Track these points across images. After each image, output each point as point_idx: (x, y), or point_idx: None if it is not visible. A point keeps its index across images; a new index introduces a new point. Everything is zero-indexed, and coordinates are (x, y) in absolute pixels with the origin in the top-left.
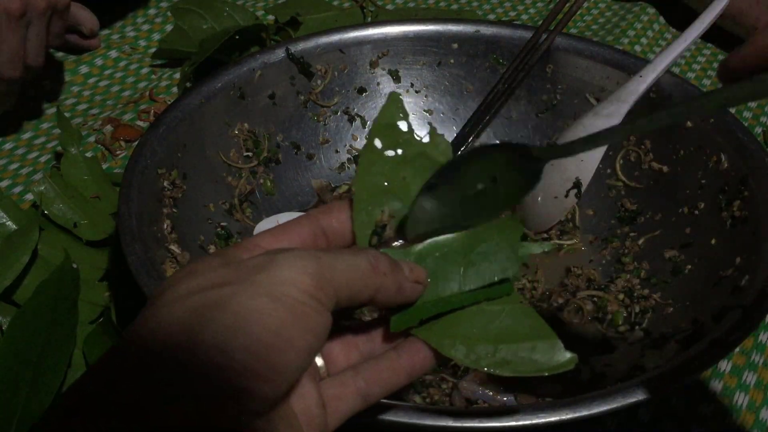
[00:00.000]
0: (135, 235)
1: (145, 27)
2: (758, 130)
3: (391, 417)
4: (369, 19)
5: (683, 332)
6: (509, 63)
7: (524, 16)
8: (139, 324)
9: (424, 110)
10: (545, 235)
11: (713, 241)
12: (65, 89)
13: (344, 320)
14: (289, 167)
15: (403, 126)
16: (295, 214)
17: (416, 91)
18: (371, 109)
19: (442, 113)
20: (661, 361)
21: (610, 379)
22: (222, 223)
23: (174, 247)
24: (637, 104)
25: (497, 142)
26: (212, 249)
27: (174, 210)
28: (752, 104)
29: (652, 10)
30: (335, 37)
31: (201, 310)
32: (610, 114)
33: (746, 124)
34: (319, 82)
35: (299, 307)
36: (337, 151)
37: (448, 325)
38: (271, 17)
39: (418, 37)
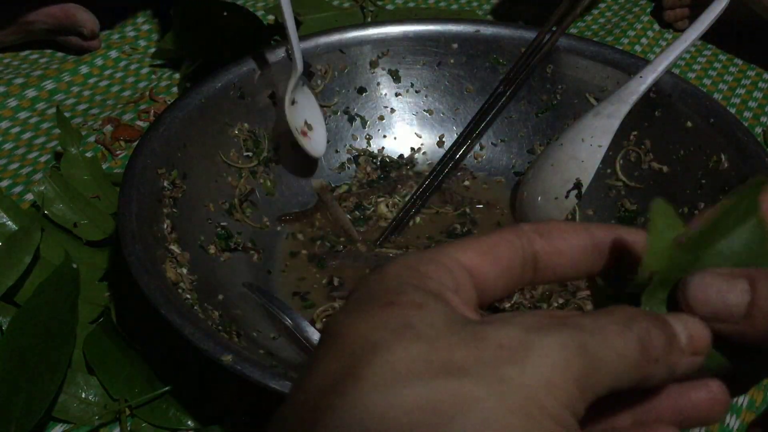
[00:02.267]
0: (135, 235)
1: (145, 27)
2: (758, 130)
3: None
4: (369, 19)
5: None
6: (511, 64)
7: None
8: (330, 414)
9: (424, 110)
10: None
11: None
12: (65, 89)
13: None
14: (289, 167)
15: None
16: None
17: (416, 91)
18: (371, 108)
19: (442, 113)
20: None
21: None
22: (222, 223)
23: (174, 247)
24: (637, 104)
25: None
26: (212, 249)
27: (174, 210)
28: (752, 104)
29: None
30: (335, 37)
31: (431, 415)
32: (611, 114)
33: (746, 124)
34: (319, 82)
35: (551, 427)
36: (337, 151)
37: None
38: (271, 17)
39: (418, 37)
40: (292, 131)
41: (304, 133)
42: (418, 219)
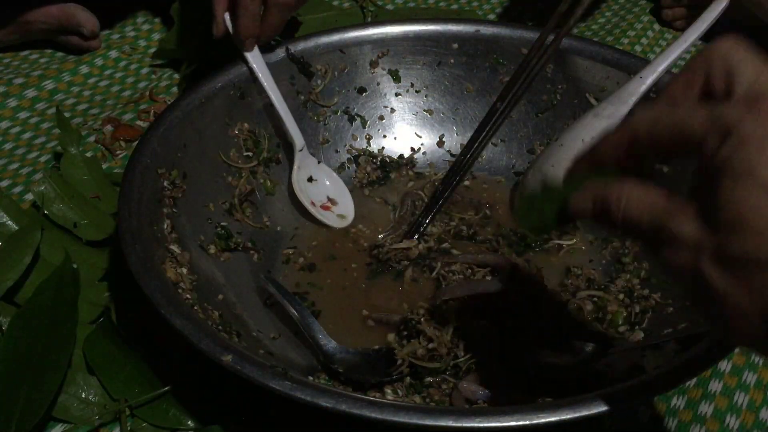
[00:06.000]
0: (135, 235)
1: (145, 27)
2: None
3: (391, 417)
4: (369, 19)
5: (683, 332)
6: (514, 66)
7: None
8: None
9: (424, 110)
10: (545, 236)
11: None
12: (65, 89)
13: None
14: (289, 167)
15: None
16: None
17: (416, 91)
18: (371, 108)
19: (442, 113)
20: (661, 361)
21: (610, 379)
22: (222, 223)
23: (174, 247)
24: (637, 105)
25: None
26: (212, 249)
27: (174, 210)
28: None
29: None
30: (335, 37)
31: None
32: (611, 115)
33: None
34: (319, 82)
35: None
36: (337, 151)
37: None
38: None
39: (418, 37)
40: (306, 207)
41: (327, 208)
42: (435, 228)
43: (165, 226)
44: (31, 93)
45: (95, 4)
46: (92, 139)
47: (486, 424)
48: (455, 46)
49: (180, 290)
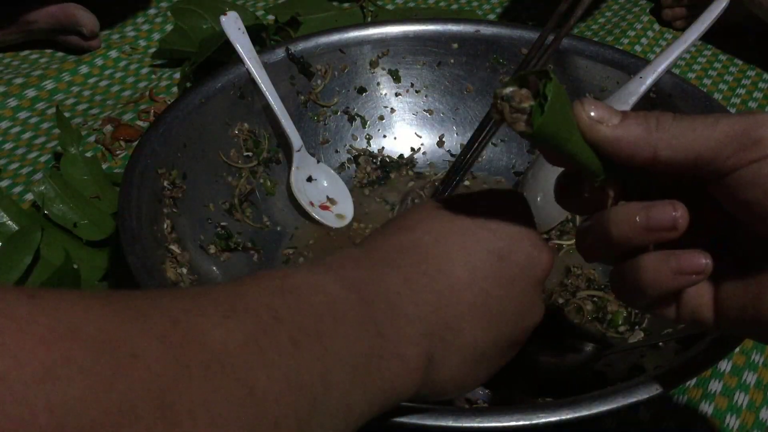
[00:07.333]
0: (135, 235)
1: (145, 27)
2: None
3: (391, 417)
4: (369, 19)
5: (683, 332)
6: (517, 68)
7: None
8: None
9: (424, 110)
10: (545, 236)
11: None
12: (65, 89)
13: None
14: (289, 167)
15: None
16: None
17: (416, 91)
18: (371, 108)
19: (442, 113)
20: (661, 361)
21: (610, 379)
22: (222, 223)
23: (174, 247)
24: (637, 105)
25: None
26: (212, 249)
27: (174, 210)
28: (752, 104)
29: None
30: (335, 37)
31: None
32: None
33: None
34: (319, 82)
35: None
36: (337, 151)
37: None
38: (271, 17)
39: (418, 37)
40: (305, 207)
41: (326, 208)
42: None
43: (165, 226)
44: (31, 93)
45: (95, 4)
46: (92, 139)
47: (486, 424)
48: (455, 46)
49: None
